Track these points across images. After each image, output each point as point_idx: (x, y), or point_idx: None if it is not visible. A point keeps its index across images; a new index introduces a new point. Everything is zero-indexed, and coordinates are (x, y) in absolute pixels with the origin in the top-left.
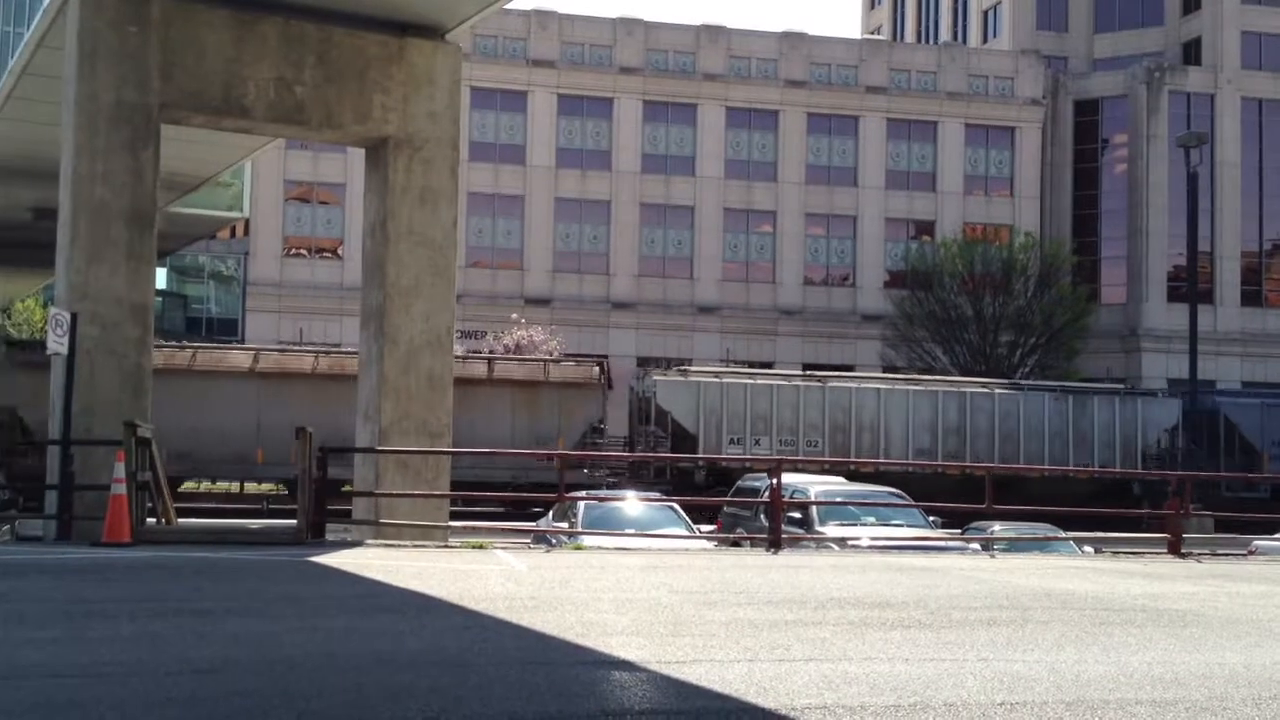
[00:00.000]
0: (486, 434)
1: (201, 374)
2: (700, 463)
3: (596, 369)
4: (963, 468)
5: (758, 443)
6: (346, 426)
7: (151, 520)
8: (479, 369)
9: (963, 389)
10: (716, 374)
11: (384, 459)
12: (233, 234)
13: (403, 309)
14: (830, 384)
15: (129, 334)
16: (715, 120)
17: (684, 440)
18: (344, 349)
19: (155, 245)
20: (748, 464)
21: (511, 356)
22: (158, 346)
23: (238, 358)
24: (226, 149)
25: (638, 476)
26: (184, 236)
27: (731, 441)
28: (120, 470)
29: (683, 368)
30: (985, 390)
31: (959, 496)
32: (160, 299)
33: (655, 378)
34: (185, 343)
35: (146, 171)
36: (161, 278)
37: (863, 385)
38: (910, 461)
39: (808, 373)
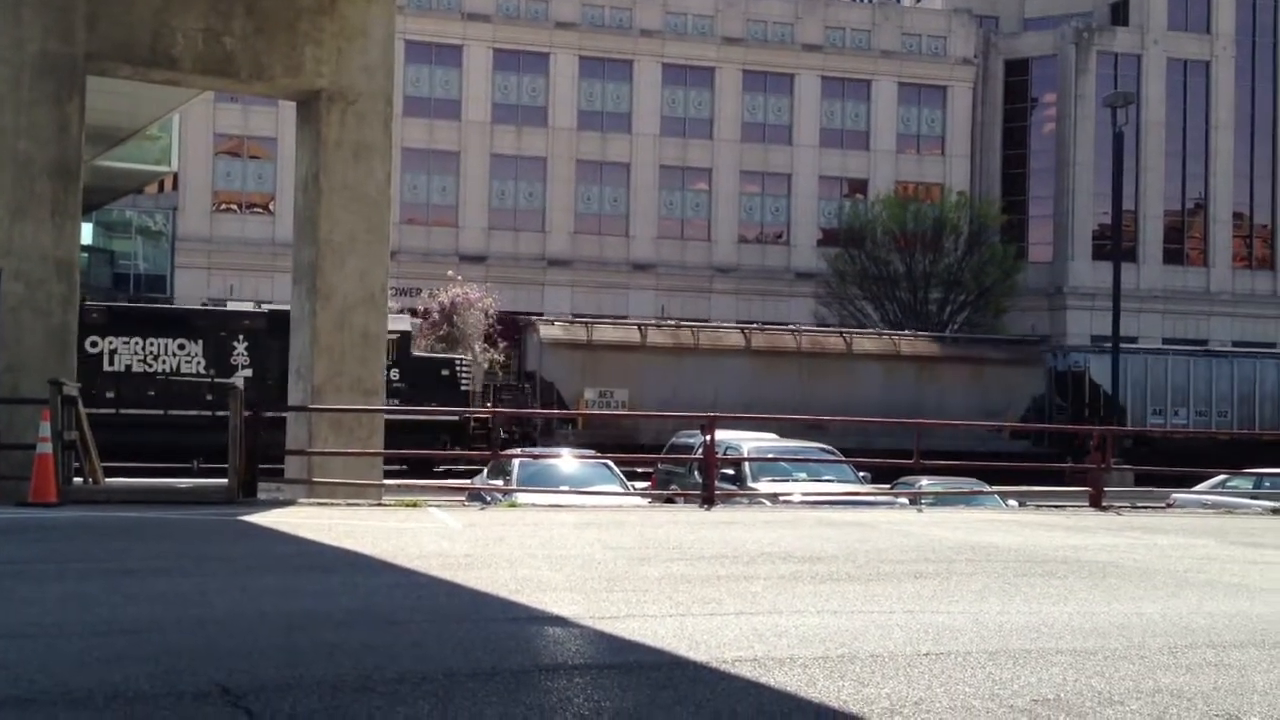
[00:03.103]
0: (949, 407)
1: (708, 352)
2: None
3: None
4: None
5: (1176, 414)
6: (834, 399)
7: (79, 480)
8: (934, 349)
9: None
10: (1135, 349)
11: (317, 417)
12: (161, 188)
13: (336, 265)
14: (1235, 357)
15: (54, 291)
16: (651, 77)
17: (1110, 411)
18: (813, 328)
19: (81, 200)
20: (1168, 434)
21: (962, 335)
22: (657, 325)
23: (734, 337)
24: (155, 101)
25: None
26: (111, 191)
27: (1154, 412)
28: (46, 429)
29: (1105, 342)
30: None
31: None
32: (86, 255)
33: (1085, 353)
34: (679, 321)
35: (72, 124)
36: (88, 233)
37: (1263, 360)
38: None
39: (1201, 348)
